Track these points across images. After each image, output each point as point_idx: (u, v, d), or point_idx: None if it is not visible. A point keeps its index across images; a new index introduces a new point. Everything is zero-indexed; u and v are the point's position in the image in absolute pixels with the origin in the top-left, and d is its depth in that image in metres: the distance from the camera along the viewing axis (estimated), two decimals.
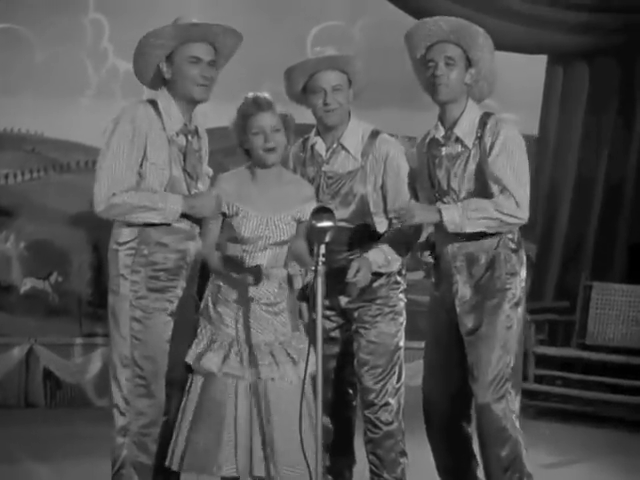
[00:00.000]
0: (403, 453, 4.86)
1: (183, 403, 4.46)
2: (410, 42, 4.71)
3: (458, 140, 4.68)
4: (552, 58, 8.38)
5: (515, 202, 4.53)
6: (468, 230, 4.55)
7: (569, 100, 8.32)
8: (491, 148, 4.59)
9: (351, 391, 4.96)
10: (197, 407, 4.41)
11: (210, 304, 4.53)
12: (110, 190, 4.37)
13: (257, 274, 4.35)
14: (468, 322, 4.68)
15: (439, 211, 4.54)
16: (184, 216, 4.46)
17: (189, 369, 4.48)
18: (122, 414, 4.46)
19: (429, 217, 4.58)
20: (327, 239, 4.01)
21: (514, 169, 4.57)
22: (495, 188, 4.56)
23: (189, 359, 4.45)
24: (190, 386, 4.46)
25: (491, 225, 4.56)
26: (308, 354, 4.19)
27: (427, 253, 4.86)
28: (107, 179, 4.39)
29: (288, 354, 4.44)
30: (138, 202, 4.38)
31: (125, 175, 4.39)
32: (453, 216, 4.51)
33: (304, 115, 4.80)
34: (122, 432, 4.46)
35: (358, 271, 4.58)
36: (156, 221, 4.41)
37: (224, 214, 4.53)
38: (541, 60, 8.39)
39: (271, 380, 4.40)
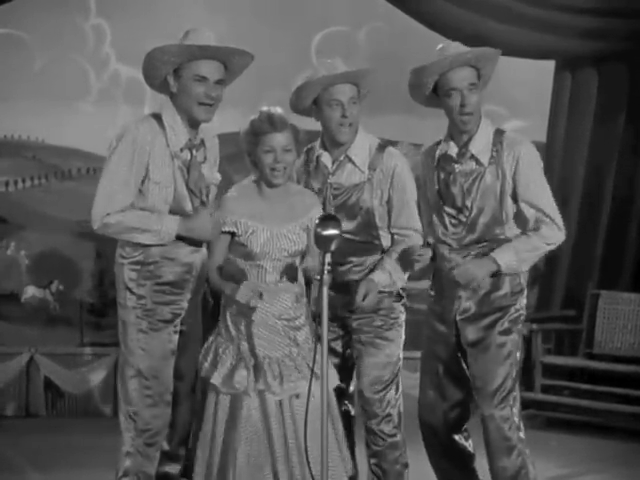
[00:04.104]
0: (406, 465, 4.83)
1: (210, 425, 4.40)
2: (426, 72, 4.58)
3: (473, 157, 4.64)
4: (560, 64, 8.32)
5: (557, 227, 4.64)
6: (523, 269, 4.65)
7: (577, 106, 8.26)
8: (516, 172, 4.60)
9: (349, 403, 4.93)
10: (229, 427, 4.36)
11: (230, 322, 4.48)
12: (105, 209, 4.36)
13: (257, 295, 4.33)
14: (469, 334, 4.66)
15: (494, 261, 4.56)
16: (182, 239, 4.42)
17: (203, 386, 4.45)
18: (129, 424, 4.46)
19: (488, 271, 4.59)
20: (333, 247, 3.97)
21: (545, 192, 4.67)
22: (531, 212, 4.61)
23: (215, 381, 4.40)
24: (216, 407, 4.40)
25: (541, 256, 4.70)
26: (313, 366, 4.15)
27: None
28: (102, 198, 4.38)
29: (311, 369, 4.38)
30: (131, 223, 4.36)
31: (120, 195, 4.36)
32: (510, 262, 4.58)
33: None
34: (128, 441, 4.45)
35: (366, 295, 4.58)
36: (151, 243, 4.39)
37: (233, 233, 4.47)
38: (549, 66, 8.32)
39: (296, 397, 4.37)
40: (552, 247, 4.66)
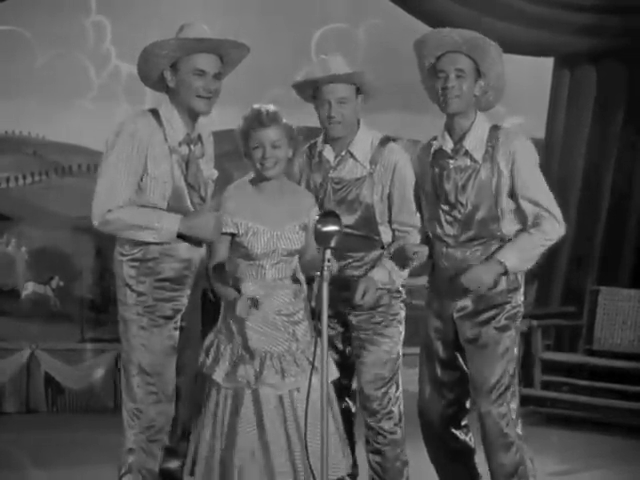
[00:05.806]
0: (406, 463, 4.84)
1: (211, 420, 4.42)
2: (420, 50, 4.65)
3: (467, 154, 4.64)
4: (559, 61, 8.33)
5: (556, 221, 4.62)
6: (527, 268, 4.66)
7: (576, 103, 8.27)
8: (513, 167, 4.59)
9: (350, 400, 4.93)
10: (231, 423, 4.37)
11: (230, 321, 4.48)
12: (105, 206, 4.34)
13: (252, 305, 4.35)
14: (467, 331, 4.67)
15: (499, 262, 4.56)
16: (183, 238, 4.40)
17: (203, 382, 4.47)
18: (132, 420, 4.46)
19: (495, 273, 4.58)
20: (333, 243, 3.98)
21: (543, 186, 4.65)
22: (530, 208, 4.59)
23: (218, 377, 4.41)
24: (217, 405, 4.41)
25: (543, 252, 4.65)
26: (314, 360, 4.17)
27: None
28: (103, 194, 4.36)
29: (310, 363, 4.40)
30: (132, 220, 4.35)
31: (121, 191, 4.35)
32: (515, 262, 4.57)
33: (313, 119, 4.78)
34: (131, 438, 4.46)
35: (365, 293, 4.59)
36: (151, 240, 4.37)
37: (233, 234, 4.48)
38: (548, 63, 8.33)
39: (297, 390, 4.39)
40: (553, 242, 4.64)
